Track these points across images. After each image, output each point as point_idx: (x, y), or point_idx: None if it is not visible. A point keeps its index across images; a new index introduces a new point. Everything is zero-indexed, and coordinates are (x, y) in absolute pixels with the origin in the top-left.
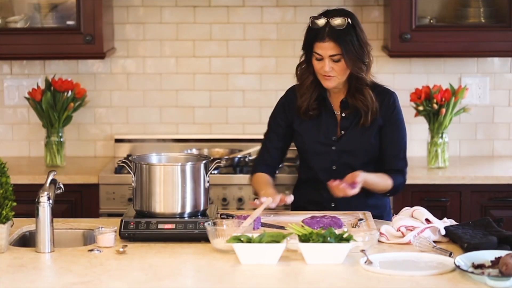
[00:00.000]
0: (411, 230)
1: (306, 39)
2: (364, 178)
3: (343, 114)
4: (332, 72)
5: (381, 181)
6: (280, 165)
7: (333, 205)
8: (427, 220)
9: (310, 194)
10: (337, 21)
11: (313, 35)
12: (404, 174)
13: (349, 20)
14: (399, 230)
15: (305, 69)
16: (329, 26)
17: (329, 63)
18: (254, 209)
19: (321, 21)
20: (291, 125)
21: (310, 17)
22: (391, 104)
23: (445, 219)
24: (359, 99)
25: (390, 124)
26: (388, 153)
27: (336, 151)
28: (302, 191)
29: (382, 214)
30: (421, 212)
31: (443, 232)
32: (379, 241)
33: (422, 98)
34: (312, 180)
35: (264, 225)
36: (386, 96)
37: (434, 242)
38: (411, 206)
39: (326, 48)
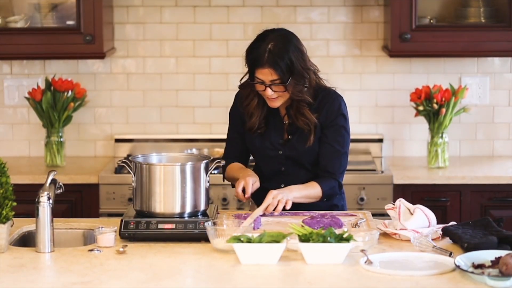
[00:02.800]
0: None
1: (246, 63)
2: (285, 197)
3: (290, 121)
4: (275, 95)
5: (309, 191)
6: (250, 157)
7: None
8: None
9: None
10: (275, 47)
11: (253, 61)
12: (335, 177)
13: (288, 45)
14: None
15: (249, 90)
16: (268, 52)
17: (270, 87)
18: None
19: (260, 46)
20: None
21: (251, 43)
22: (335, 108)
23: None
24: (300, 120)
25: (331, 126)
26: (323, 154)
27: (283, 154)
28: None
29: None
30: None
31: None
32: (377, 228)
33: (422, 98)
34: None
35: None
36: (330, 100)
37: (432, 239)
38: None
39: (266, 74)
